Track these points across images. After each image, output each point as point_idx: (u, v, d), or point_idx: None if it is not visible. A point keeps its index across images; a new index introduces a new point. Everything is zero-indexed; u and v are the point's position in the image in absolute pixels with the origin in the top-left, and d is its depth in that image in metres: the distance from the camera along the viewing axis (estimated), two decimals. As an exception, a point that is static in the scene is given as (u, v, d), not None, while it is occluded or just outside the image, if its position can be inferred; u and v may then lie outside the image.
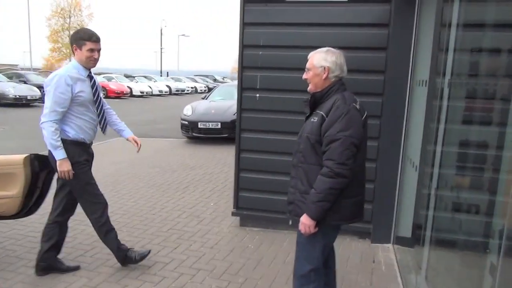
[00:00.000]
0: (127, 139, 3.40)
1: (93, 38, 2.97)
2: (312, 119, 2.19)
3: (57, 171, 3.00)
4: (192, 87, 33.02)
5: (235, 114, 4.31)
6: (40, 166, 3.31)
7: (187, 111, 9.61)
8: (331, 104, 2.12)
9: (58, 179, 3.13)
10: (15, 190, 3.15)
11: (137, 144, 3.35)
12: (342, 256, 3.57)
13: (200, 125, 9.21)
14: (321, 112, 2.13)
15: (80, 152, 3.04)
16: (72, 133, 3.00)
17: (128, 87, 25.42)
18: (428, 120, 3.22)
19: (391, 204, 3.76)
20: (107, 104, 3.33)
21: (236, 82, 4.45)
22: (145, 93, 26.54)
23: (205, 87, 33.72)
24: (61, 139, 2.94)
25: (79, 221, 4.25)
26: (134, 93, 25.53)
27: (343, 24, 3.72)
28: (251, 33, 3.90)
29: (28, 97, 16.96)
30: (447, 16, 2.85)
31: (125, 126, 3.40)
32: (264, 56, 3.91)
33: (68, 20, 37.52)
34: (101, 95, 3.22)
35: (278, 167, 3.97)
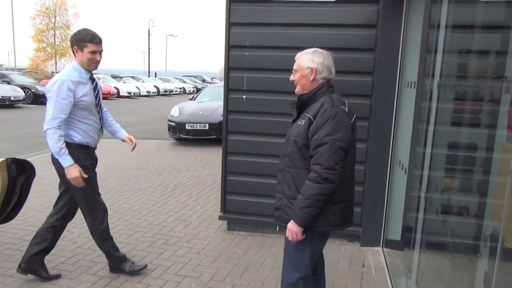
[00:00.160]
0: (122, 139, 3.30)
1: (96, 39, 2.86)
2: (299, 122, 2.12)
3: (63, 179, 2.91)
4: (180, 88, 32.79)
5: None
6: (18, 170, 3.20)
7: (175, 112, 9.49)
8: (318, 107, 2.05)
9: (60, 182, 3.04)
10: (-9, 196, 3.03)
11: (132, 142, 3.26)
12: (332, 261, 3.51)
13: (187, 127, 9.10)
14: (309, 115, 2.06)
15: (85, 156, 2.95)
16: (78, 137, 2.91)
17: (115, 87, 25.11)
18: (417, 122, 3.19)
19: (380, 207, 3.72)
20: (104, 106, 3.23)
21: (223, 83, 4.36)
22: (132, 94, 26.26)
23: (193, 87, 33.54)
24: (66, 142, 2.84)
25: (61, 227, 4.14)
26: (121, 93, 25.24)
27: (330, 25, 3.67)
28: (237, 33, 3.82)
29: (12, 98, 16.63)
30: (435, 17, 2.82)
31: (119, 127, 3.32)
32: (251, 56, 3.84)
33: (53, 19, 36.90)
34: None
35: (266, 170, 3.90)
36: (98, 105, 3.01)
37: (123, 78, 30.62)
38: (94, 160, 3.10)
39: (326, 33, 3.66)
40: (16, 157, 3.32)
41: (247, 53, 3.84)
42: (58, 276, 3.16)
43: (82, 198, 2.99)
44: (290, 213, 2.10)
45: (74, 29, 37.30)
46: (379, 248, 3.79)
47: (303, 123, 2.08)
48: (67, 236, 3.92)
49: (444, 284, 2.45)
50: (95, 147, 3.11)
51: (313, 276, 2.29)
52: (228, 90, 3.94)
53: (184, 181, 6.08)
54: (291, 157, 2.12)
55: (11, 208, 3.24)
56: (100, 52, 2.93)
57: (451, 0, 2.56)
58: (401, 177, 3.50)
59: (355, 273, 3.34)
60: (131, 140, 3.26)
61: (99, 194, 3.09)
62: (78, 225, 4.22)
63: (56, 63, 37.23)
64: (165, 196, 5.34)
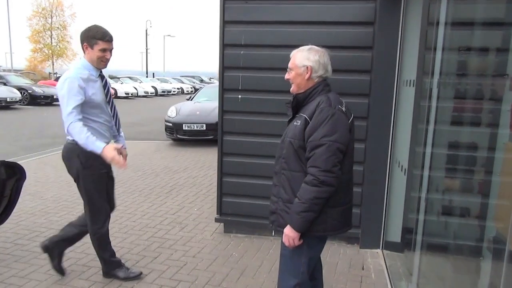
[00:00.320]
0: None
1: (107, 37, 2.78)
2: (295, 123, 2.04)
3: (73, 177, 2.88)
4: (178, 88, 32.70)
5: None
6: (8, 173, 3.12)
7: (171, 112, 9.41)
8: (314, 106, 1.97)
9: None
10: (-21, 200, 2.95)
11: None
12: (330, 264, 3.44)
13: (184, 127, 9.02)
14: (304, 115, 1.99)
15: (95, 155, 2.82)
16: None
17: (112, 88, 24.99)
18: (416, 121, 3.13)
19: (379, 208, 3.65)
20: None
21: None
22: (130, 95, 26.16)
23: (191, 87, 33.43)
24: (74, 140, 2.76)
25: (55, 230, 4.06)
26: (119, 94, 25.13)
27: (327, 22, 3.59)
28: (231, 31, 3.74)
29: (8, 99, 16.51)
30: (434, 13, 2.76)
31: (122, 137, 3.17)
32: (246, 55, 3.75)
33: (49, 20, 36.70)
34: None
35: (263, 171, 3.82)
36: (109, 102, 2.94)
37: (120, 79, 30.51)
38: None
39: (323, 30, 3.59)
40: (6, 159, 3.24)
41: (242, 52, 3.75)
42: (62, 273, 3.18)
43: (86, 198, 2.93)
44: (286, 217, 2.02)
45: (70, 30, 37.13)
46: (379, 250, 3.72)
47: (299, 124, 2.00)
48: (60, 240, 3.85)
49: (446, 287, 2.39)
50: None
51: (311, 281, 2.22)
52: (223, 90, 3.86)
53: (181, 183, 6.00)
54: (286, 159, 2.04)
55: (0, 212, 3.16)
56: (111, 50, 2.85)
57: (450, -4, 2.50)
58: (400, 178, 3.43)
59: (354, 276, 3.26)
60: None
61: (105, 198, 3.00)
62: (71, 228, 4.15)
63: (53, 64, 37.04)
64: (161, 197, 5.26)
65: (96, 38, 2.76)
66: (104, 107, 2.91)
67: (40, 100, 18.34)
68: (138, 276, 3.15)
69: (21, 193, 3.35)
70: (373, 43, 3.52)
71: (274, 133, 3.64)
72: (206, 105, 9.59)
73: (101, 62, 2.83)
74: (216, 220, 4.12)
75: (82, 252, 3.59)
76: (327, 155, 1.88)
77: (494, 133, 1.88)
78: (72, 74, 2.75)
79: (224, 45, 3.77)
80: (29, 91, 18.31)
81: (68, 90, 2.69)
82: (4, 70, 30.49)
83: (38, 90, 18.68)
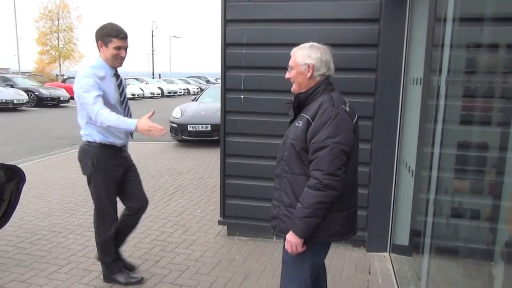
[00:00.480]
0: None
1: (121, 34, 2.74)
2: (296, 124, 1.96)
3: (86, 176, 2.87)
4: (184, 89, 32.71)
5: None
6: (7, 176, 3.07)
7: (176, 113, 9.37)
8: (317, 107, 1.89)
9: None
10: (-22, 204, 2.91)
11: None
12: (336, 268, 3.35)
13: (189, 128, 8.97)
14: (306, 116, 1.90)
15: (107, 156, 2.82)
16: (99, 136, 2.79)
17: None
18: (424, 120, 3.04)
19: (386, 211, 3.56)
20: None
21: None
22: (136, 96, 26.20)
23: (197, 88, 33.43)
24: (88, 141, 2.77)
25: (57, 233, 4.03)
26: (125, 95, 25.21)
27: (330, 20, 3.51)
28: (233, 30, 3.67)
29: (15, 101, 16.60)
30: (441, 9, 2.68)
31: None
32: (248, 54, 3.68)
33: (56, 22, 36.91)
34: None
35: (266, 172, 3.74)
36: (123, 102, 2.89)
37: (127, 80, 30.47)
38: (122, 160, 2.96)
39: (327, 28, 3.50)
40: (6, 162, 3.20)
41: (244, 51, 3.68)
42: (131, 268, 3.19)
43: (95, 199, 2.90)
44: (288, 222, 1.94)
45: (77, 32, 37.34)
46: (386, 254, 3.62)
47: (300, 125, 1.92)
48: (62, 242, 3.81)
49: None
50: (123, 147, 2.96)
51: (315, 288, 2.14)
52: (225, 90, 3.80)
53: (185, 184, 5.95)
54: (288, 162, 1.96)
55: (0, 215, 3.12)
56: (126, 48, 2.80)
57: (459, -10, 2.41)
58: (408, 179, 3.34)
59: (361, 281, 3.17)
60: None
61: (115, 203, 2.96)
62: (74, 231, 4.11)
63: (60, 66, 37.26)
64: (164, 200, 5.21)
65: (111, 36, 2.72)
66: (118, 106, 2.86)
67: (47, 102, 18.41)
68: (139, 282, 3.09)
69: (25, 195, 3.31)
70: (379, 40, 3.43)
71: (278, 133, 3.54)
72: (211, 105, 9.53)
73: (116, 60, 2.78)
74: (219, 222, 4.05)
75: (84, 256, 3.54)
76: (330, 158, 1.80)
77: (505, 132, 1.80)
78: (87, 73, 2.71)
79: (226, 44, 3.70)
80: (36, 93, 18.39)
81: (86, 84, 2.66)
82: (12, 73, 30.75)
83: (45, 92, 18.75)
